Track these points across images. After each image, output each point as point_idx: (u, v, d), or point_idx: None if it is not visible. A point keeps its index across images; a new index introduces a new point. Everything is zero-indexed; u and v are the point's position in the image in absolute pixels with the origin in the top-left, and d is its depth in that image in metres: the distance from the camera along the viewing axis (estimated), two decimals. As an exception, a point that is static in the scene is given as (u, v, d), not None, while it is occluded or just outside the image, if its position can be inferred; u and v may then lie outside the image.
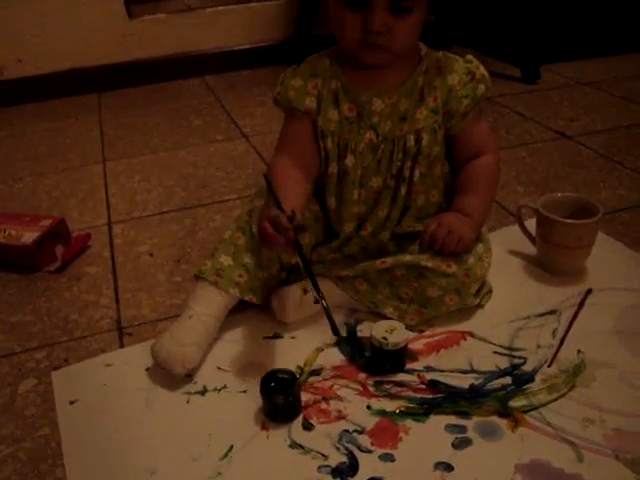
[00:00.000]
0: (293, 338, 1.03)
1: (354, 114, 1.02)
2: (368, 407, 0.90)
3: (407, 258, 1.02)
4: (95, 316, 1.13)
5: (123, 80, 2.42)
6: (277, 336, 1.03)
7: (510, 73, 2.24)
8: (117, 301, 1.17)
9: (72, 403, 0.94)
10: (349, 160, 1.03)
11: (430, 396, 0.91)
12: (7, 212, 1.43)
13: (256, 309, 1.07)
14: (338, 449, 0.83)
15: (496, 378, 0.93)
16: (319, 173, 1.07)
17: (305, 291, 1.04)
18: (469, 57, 1.05)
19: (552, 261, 1.15)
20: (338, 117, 1.02)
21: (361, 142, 1.03)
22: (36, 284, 1.24)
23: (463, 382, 0.93)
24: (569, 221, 1.10)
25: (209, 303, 0.99)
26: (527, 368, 0.95)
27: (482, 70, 1.03)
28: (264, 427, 0.87)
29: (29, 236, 1.28)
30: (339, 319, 1.05)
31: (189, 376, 0.96)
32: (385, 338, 0.92)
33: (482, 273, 1.04)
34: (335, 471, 0.80)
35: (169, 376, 0.95)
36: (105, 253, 1.33)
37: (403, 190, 1.06)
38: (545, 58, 2.29)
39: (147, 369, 0.99)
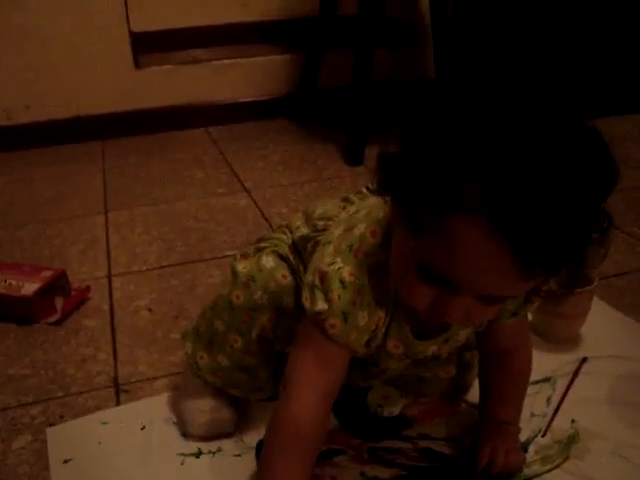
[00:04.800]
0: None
1: (399, 352, 0.84)
2: (362, 474, 0.90)
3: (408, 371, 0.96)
4: (92, 372, 1.14)
5: (128, 129, 2.45)
6: (273, 399, 1.03)
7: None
8: (115, 356, 1.18)
9: (66, 462, 0.94)
10: (373, 370, 0.90)
11: (424, 464, 0.91)
12: (8, 261, 1.44)
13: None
14: (331, 517, 0.83)
15: (490, 447, 0.94)
16: None
17: None
18: None
19: (547, 328, 1.16)
20: (378, 346, 0.83)
21: (394, 365, 0.88)
22: (34, 336, 1.24)
23: (457, 451, 0.93)
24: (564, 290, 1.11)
25: None
26: (521, 438, 0.95)
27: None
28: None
29: (29, 287, 1.29)
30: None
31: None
32: (380, 405, 0.93)
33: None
34: (328, 541, 0.80)
35: (164, 437, 0.96)
36: (104, 306, 1.34)
37: (416, 371, 0.97)
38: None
39: (142, 428, 0.99)
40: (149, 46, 2.51)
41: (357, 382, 0.95)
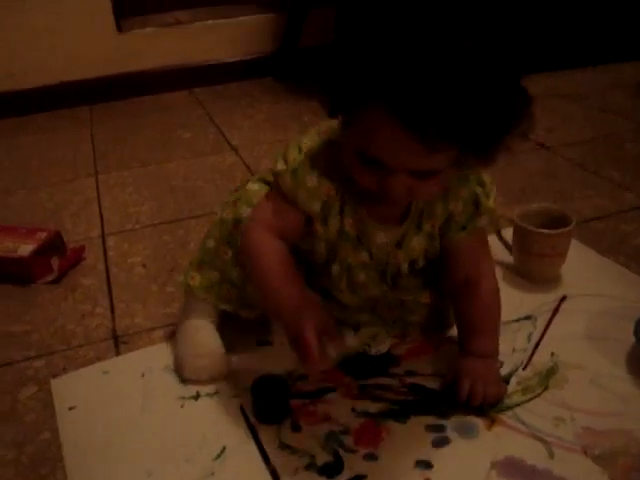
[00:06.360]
0: (282, 345, 1.07)
1: (354, 233, 0.95)
2: (353, 409, 0.95)
3: (388, 294, 1.04)
4: (91, 326, 1.18)
5: (113, 93, 2.46)
6: (267, 342, 1.08)
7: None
8: (112, 311, 1.22)
9: (71, 409, 0.98)
10: (335, 269, 0.99)
11: (411, 398, 0.96)
12: (3, 224, 1.47)
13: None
14: (324, 449, 0.88)
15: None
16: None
17: None
18: (485, 178, 0.95)
19: (528, 269, 1.21)
20: (338, 227, 0.94)
21: (352, 258, 0.98)
22: (33, 295, 1.28)
23: (442, 385, 0.98)
24: (544, 231, 1.16)
25: (207, 314, 1.04)
26: (503, 371, 1.00)
27: (491, 202, 0.95)
28: (255, 429, 0.92)
29: (25, 248, 1.32)
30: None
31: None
32: (368, 345, 0.97)
33: None
34: (322, 470, 0.85)
35: (163, 383, 1.01)
36: (99, 265, 1.37)
37: (398, 294, 1.05)
38: (523, 69, 2.34)
39: (142, 375, 1.04)
40: (131, 9, 2.50)
41: (334, 312, 1.02)
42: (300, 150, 0.90)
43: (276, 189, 0.92)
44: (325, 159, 0.89)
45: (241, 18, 2.56)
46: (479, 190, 0.94)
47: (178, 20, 2.52)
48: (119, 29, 2.44)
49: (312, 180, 0.90)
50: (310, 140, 0.91)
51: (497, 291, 1.01)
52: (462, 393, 0.94)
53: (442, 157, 0.76)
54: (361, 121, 0.76)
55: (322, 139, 0.90)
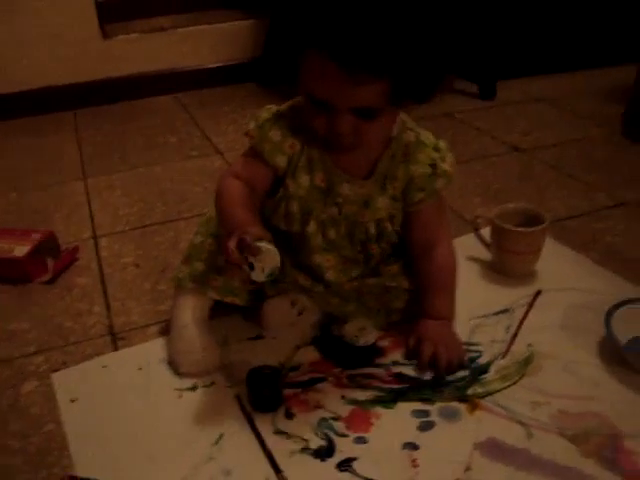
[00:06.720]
0: (274, 338, 1.13)
1: (324, 186, 1.04)
2: (343, 397, 1.00)
3: (372, 281, 1.13)
4: (88, 323, 1.22)
5: (99, 98, 2.49)
6: (259, 337, 1.14)
7: (468, 90, 2.37)
8: (108, 309, 1.26)
9: (73, 401, 1.03)
10: (311, 227, 1.06)
11: (397, 386, 1.02)
12: (-2, 227, 1.51)
13: (239, 313, 1.17)
14: (317, 434, 0.94)
15: (456, 370, 1.05)
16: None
17: (292, 304, 1.14)
18: (441, 144, 1.06)
19: (505, 265, 1.27)
20: (309, 184, 1.04)
21: (324, 213, 1.06)
22: (30, 294, 1.32)
23: (426, 374, 1.04)
24: (520, 229, 1.23)
25: (197, 309, 1.10)
26: (483, 360, 1.06)
27: (447, 165, 1.04)
28: (250, 417, 0.97)
29: (21, 249, 1.36)
30: (315, 319, 1.16)
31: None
32: (356, 336, 1.03)
33: None
34: (315, 453, 0.90)
35: (160, 375, 1.06)
36: (93, 265, 1.42)
37: (373, 261, 1.13)
38: (501, 75, 2.42)
39: (140, 369, 1.08)
40: (115, 15, 2.54)
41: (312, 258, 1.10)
42: (269, 111, 1.04)
43: (249, 144, 1.05)
44: (291, 117, 1.02)
45: (224, 24, 2.60)
46: (435, 155, 1.04)
47: (162, 26, 2.56)
48: (104, 35, 2.47)
49: (276, 135, 1.02)
50: (280, 107, 1.05)
51: (452, 254, 1.11)
52: (424, 356, 1.03)
53: (373, 92, 0.87)
54: (303, 66, 0.90)
55: (289, 104, 1.04)
